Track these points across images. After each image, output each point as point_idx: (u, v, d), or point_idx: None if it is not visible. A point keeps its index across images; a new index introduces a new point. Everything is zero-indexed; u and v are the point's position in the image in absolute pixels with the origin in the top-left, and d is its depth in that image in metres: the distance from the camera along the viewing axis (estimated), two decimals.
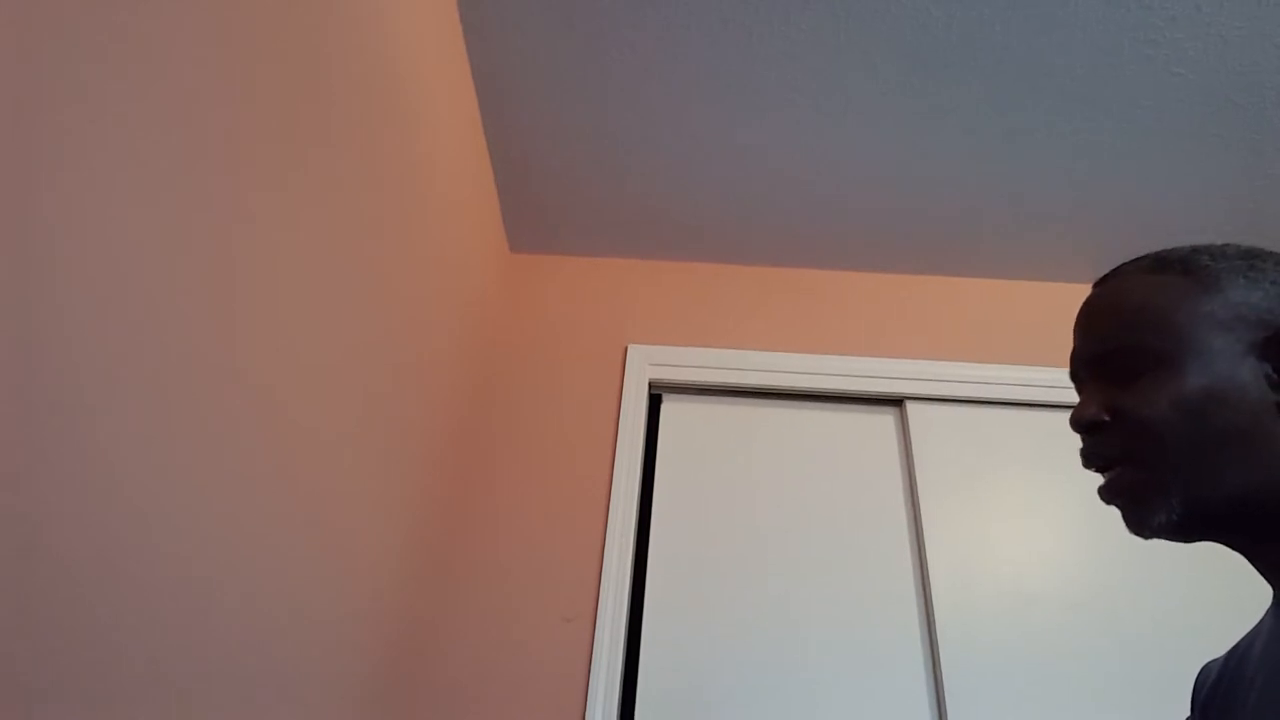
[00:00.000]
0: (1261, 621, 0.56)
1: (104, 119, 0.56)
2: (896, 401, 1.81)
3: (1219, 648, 1.50)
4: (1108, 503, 0.59)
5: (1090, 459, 0.60)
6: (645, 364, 1.81)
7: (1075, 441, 1.76)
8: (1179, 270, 0.59)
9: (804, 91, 1.51)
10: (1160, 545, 1.62)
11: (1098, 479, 1.72)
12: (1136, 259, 0.63)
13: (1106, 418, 0.59)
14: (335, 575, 1.03)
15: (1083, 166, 1.64)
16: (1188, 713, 1.42)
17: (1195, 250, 0.60)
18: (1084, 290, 1.97)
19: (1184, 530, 0.55)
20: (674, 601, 1.55)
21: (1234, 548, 0.56)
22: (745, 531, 1.63)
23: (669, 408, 1.81)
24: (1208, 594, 1.55)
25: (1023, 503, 1.67)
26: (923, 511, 1.64)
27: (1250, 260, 0.58)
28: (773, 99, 1.53)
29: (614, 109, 1.57)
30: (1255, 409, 0.53)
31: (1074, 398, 1.78)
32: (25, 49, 0.49)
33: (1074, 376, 0.65)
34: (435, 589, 1.52)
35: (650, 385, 1.82)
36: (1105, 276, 0.65)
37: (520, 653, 1.46)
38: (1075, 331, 0.65)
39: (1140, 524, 0.57)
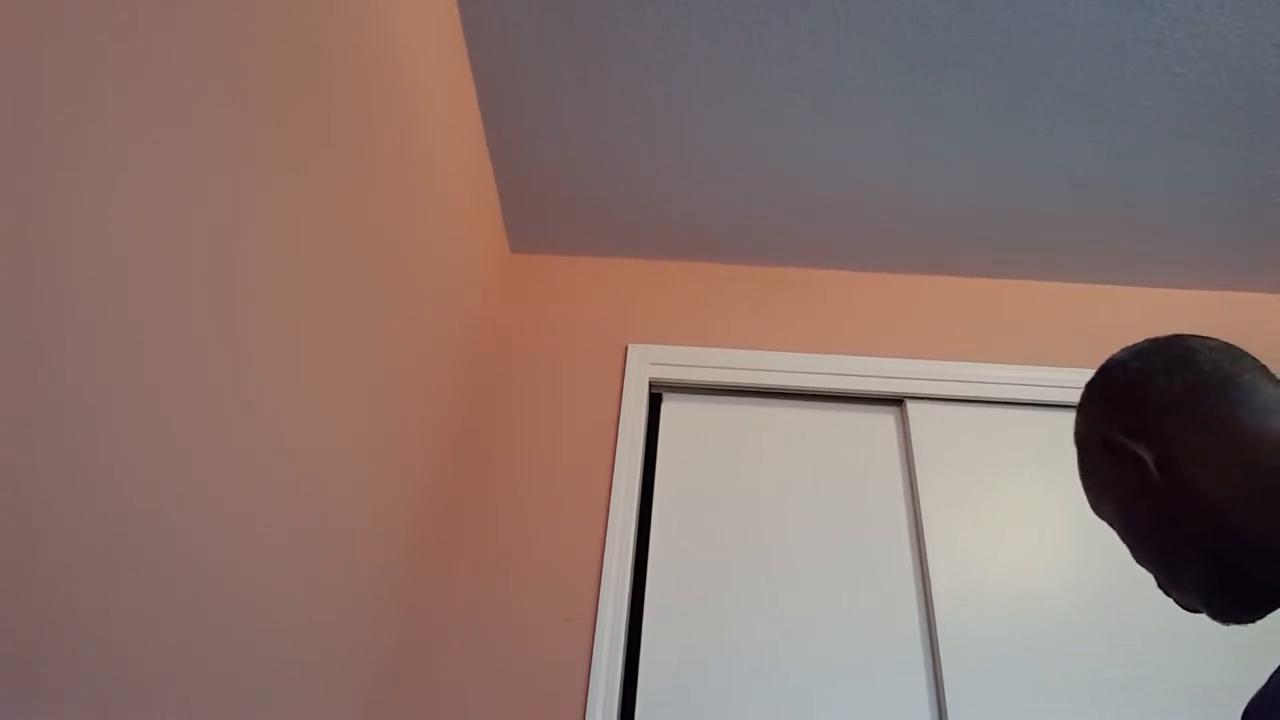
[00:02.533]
0: None
1: (104, 119, 0.56)
2: (897, 401, 1.81)
3: (1219, 647, 1.50)
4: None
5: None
6: (645, 363, 1.81)
7: None
8: (1081, 454, 0.72)
9: (804, 91, 1.51)
10: None
11: None
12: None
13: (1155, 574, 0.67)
14: (336, 575, 1.03)
15: (1083, 166, 1.64)
16: (1187, 711, 1.42)
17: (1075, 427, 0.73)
18: (1084, 290, 1.97)
19: (1237, 615, 0.60)
20: (674, 601, 1.55)
21: None
22: (745, 531, 1.63)
23: (669, 407, 1.81)
24: None
25: (1023, 502, 1.67)
26: (923, 511, 1.64)
27: (1081, 398, 0.71)
28: (773, 99, 1.53)
29: (614, 109, 1.57)
30: (1163, 509, 0.61)
31: (1074, 397, 1.78)
32: (25, 49, 0.49)
33: None
34: (435, 589, 1.52)
35: (650, 385, 1.82)
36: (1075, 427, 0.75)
37: (520, 653, 1.46)
38: None
39: (1215, 619, 0.63)
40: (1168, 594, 0.65)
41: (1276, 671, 0.60)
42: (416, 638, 1.44)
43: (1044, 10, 1.33)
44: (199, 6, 0.66)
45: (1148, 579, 1.57)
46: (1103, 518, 0.70)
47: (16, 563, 0.50)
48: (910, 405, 1.79)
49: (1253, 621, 0.60)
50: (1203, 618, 1.53)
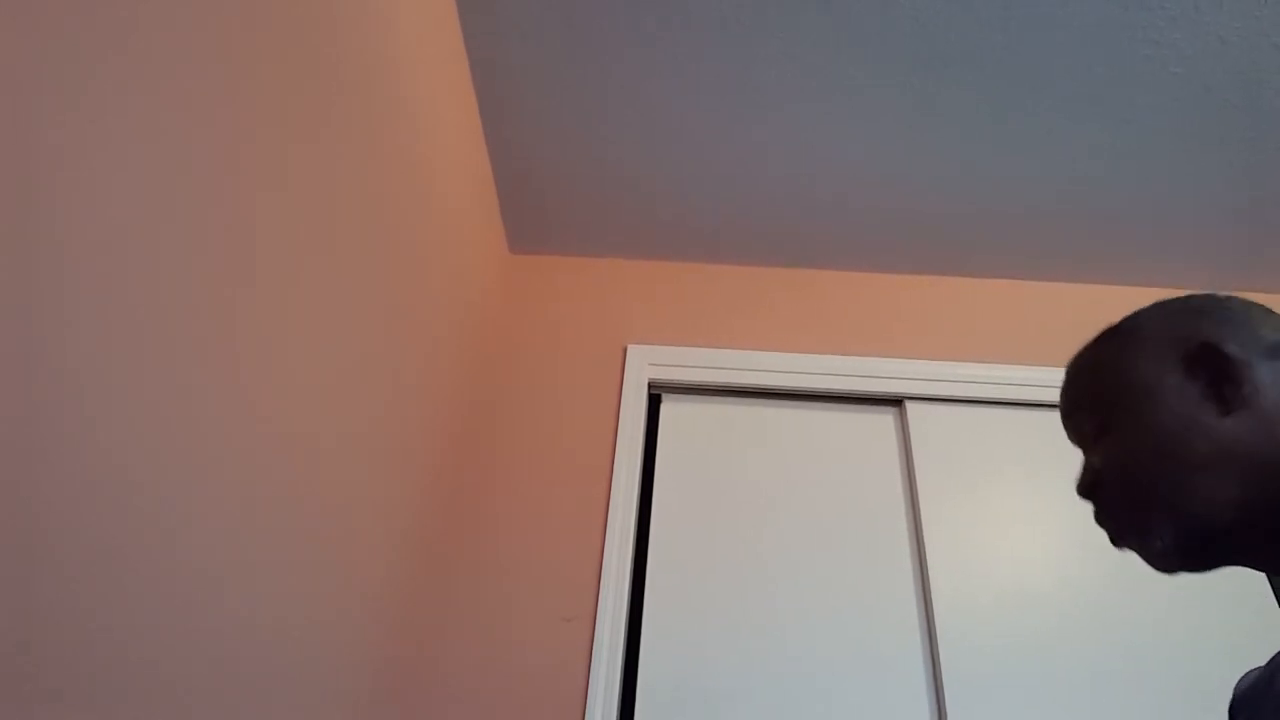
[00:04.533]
0: None
1: (104, 119, 0.56)
2: (896, 401, 1.81)
3: (1217, 647, 1.50)
4: (1121, 549, 0.64)
5: (1100, 522, 0.66)
6: (645, 364, 1.81)
7: None
8: (1113, 334, 0.67)
9: (804, 91, 1.51)
10: None
11: None
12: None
13: (1093, 479, 0.65)
14: (336, 576, 1.03)
15: (1083, 166, 1.64)
16: (1187, 711, 1.42)
17: (1128, 315, 0.68)
18: (1084, 290, 1.97)
19: (1190, 557, 0.59)
20: (674, 601, 1.55)
21: (1251, 566, 0.58)
22: (745, 531, 1.63)
23: (668, 408, 1.81)
24: (1207, 594, 1.55)
25: (1022, 502, 1.67)
26: (922, 511, 1.64)
27: (1163, 304, 0.66)
28: (773, 99, 1.53)
29: (614, 109, 1.57)
30: (1203, 430, 0.57)
31: None
32: (25, 49, 0.49)
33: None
34: (435, 589, 1.52)
35: (650, 385, 1.82)
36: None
37: (520, 653, 1.46)
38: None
39: (1150, 557, 0.61)
40: (1113, 518, 0.63)
41: (1273, 659, 0.59)
42: (416, 638, 1.44)
43: (1043, 10, 1.33)
44: (199, 7, 0.66)
45: (1148, 578, 1.57)
46: (1080, 429, 0.67)
47: (16, 563, 0.50)
48: (910, 406, 1.79)
49: (1190, 571, 0.60)
50: (1209, 616, 1.52)
